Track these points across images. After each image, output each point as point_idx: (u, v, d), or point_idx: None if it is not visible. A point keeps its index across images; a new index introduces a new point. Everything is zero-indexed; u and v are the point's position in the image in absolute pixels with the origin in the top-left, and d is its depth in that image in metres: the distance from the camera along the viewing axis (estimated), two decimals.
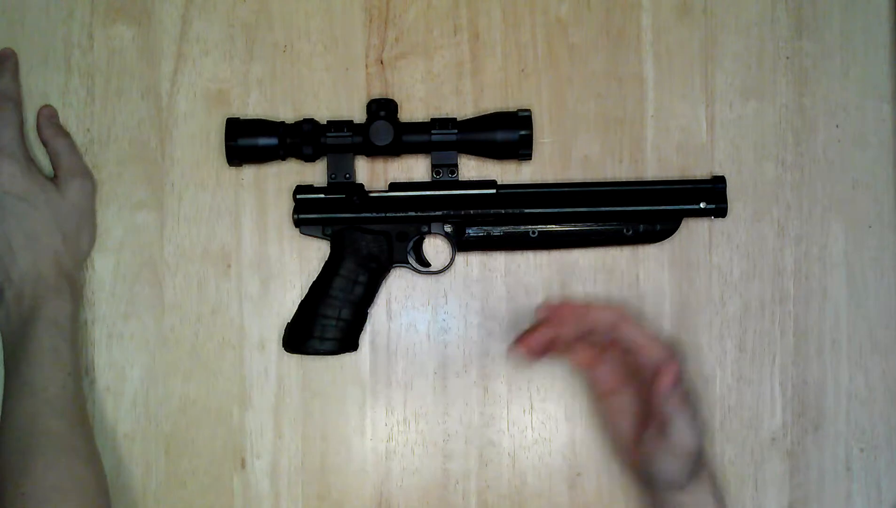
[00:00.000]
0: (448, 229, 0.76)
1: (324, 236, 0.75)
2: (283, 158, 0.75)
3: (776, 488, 0.77)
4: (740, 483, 0.77)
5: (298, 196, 0.75)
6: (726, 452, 0.77)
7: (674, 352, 0.67)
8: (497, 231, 0.75)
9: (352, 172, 0.75)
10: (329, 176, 0.75)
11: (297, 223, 0.75)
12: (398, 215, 0.75)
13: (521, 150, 0.74)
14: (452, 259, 0.76)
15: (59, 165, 0.74)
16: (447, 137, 0.74)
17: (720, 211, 0.75)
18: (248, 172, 0.78)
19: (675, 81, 0.79)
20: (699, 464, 0.67)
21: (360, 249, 0.75)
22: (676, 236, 0.76)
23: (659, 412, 0.66)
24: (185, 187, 0.77)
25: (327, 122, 0.75)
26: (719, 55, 0.79)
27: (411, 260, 0.76)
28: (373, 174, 0.78)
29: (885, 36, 0.79)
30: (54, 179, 0.74)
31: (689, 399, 0.67)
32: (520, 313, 0.78)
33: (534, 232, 0.75)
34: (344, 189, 0.75)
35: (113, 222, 0.77)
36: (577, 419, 0.78)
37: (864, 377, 0.78)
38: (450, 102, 0.78)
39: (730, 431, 0.77)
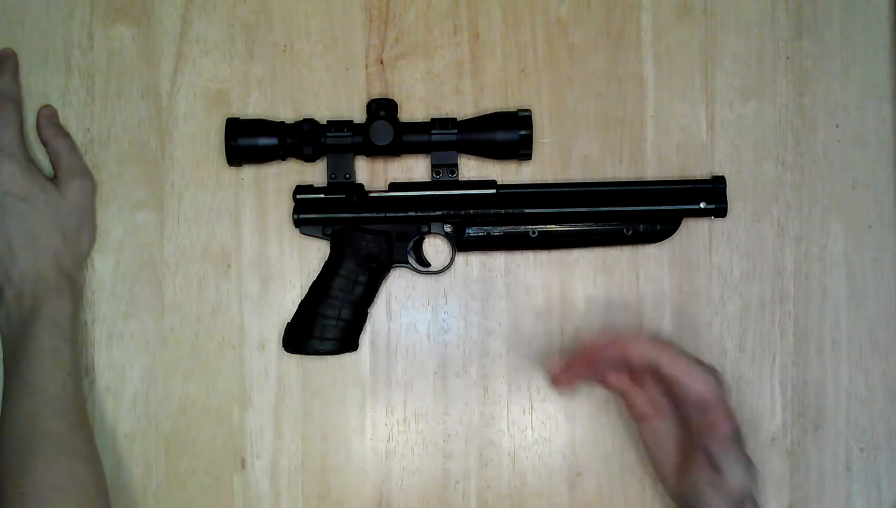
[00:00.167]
0: (448, 229, 0.76)
1: (324, 236, 0.75)
2: (283, 158, 0.75)
3: (776, 488, 0.77)
4: None
5: (298, 196, 0.75)
6: None
7: (717, 384, 0.65)
8: (497, 231, 0.75)
9: (352, 172, 0.75)
10: (329, 176, 0.75)
11: (297, 223, 0.75)
12: (398, 215, 0.75)
13: (521, 150, 0.74)
14: (452, 259, 0.76)
15: (59, 165, 0.74)
16: (447, 137, 0.74)
17: (720, 211, 0.75)
18: (248, 172, 0.78)
19: (675, 81, 0.79)
20: (747, 503, 0.66)
21: (360, 249, 0.75)
22: (676, 236, 0.76)
23: (710, 452, 0.64)
24: (185, 187, 0.77)
25: (327, 122, 0.75)
26: (719, 55, 0.79)
27: (411, 260, 0.76)
28: (373, 174, 0.78)
29: (885, 36, 0.79)
30: (54, 179, 0.74)
31: (740, 439, 0.66)
32: (520, 313, 0.78)
33: (534, 232, 0.75)
34: (344, 189, 0.75)
35: (113, 222, 0.77)
36: (577, 419, 0.78)
37: (864, 377, 0.78)
38: (450, 102, 0.78)
39: None
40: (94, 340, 0.76)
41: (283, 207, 0.77)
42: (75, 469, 0.67)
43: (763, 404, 0.77)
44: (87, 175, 0.75)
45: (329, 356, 0.77)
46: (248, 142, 0.74)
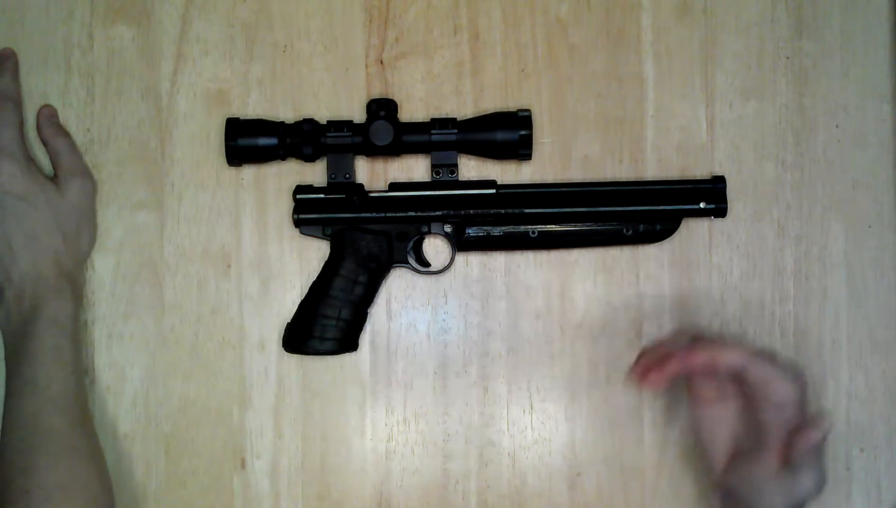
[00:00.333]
0: (448, 229, 0.76)
1: (324, 236, 0.75)
2: (283, 158, 0.75)
3: None
4: None
5: (298, 196, 0.75)
6: None
7: (803, 386, 0.64)
8: (497, 231, 0.75)
9: (352, 172, 0.75)
10: (329, 176, 0.75)
11: (297, 223, 0.75)
12: (398, 215, 0.75)
13: (521, 150, 0.74)
14: (452, 259, 0.76)
15: (59, 165, 0.74)
16: (447, 137, 0.74)
17: (720, 211, 0.75)
18: (248, 172, 0.78)
19: (675, 81, 0.79)
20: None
21: (360, 249, 0.75)
22: (676, 236, 0.76)
23: (791, 454, 0.63)
24: (185, 187, 0.77)
25: (327, 122, 0.75)
26: (719, 55, 0.79)
27: (411, 260, 0.76)
28: (373, 174, 0.78)
29: (885, 36, 0.79)
30: (54, 179, 0.74)
31: (823, 448, 0.65)
32: (520, 313, 0.78)
33: (534, 232, 0.75)
34: (344, 189, 0.75)
35: (113, 222, 0.77)
36: (577, 419, 0.78)
37: (864, 377, 0.78)
38: (450, 102, 0.78)
39: None
40: (94, 340, 0.76)
41: (283, 207, 0.77)
42: (78, 467, 0.67)
43: None
44: (87, 175, 0.75)
45: (329, 356, 0.77)
46: (248, 142, 0.74)
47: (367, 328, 0.77)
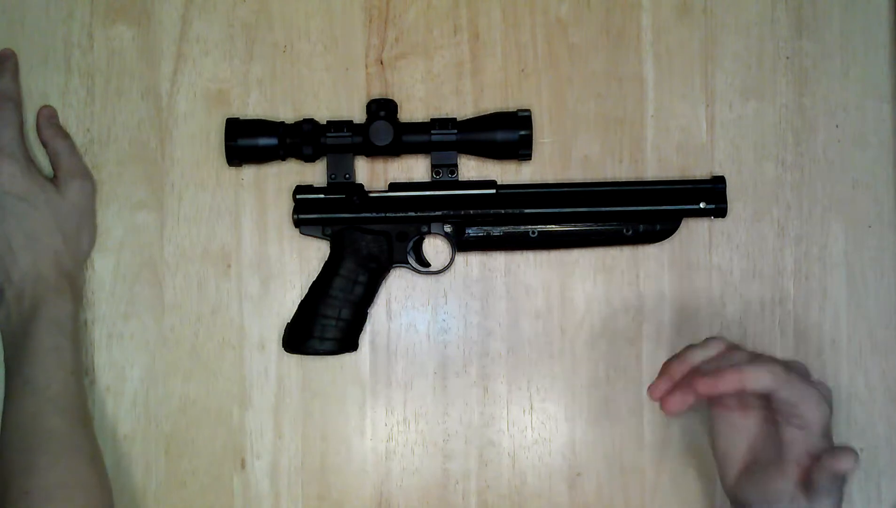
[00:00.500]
0: (448, 229, 0.76)
1: (324, 236, 0.75)
2: (283, 158, 0.75)
3: None
4: None
5: (298, 196, 0.75)
6: None
7: (829, 408, 0.62)
8: (497, 231, 0.75)
9: (352, 172, 0.75)
10: (329, 176, 0.75)
11: (297, 223, 0.75)
12: (398, 215, 0.75)
13: (521, 150, 0.74)
14: (452, 259, 0.76)
15: (59, 166, 0.74)
16: (447, 137, 0.74)
17: (720, 211, 0.75)
18: (248, 172, 0.78)
19: (675, 81, 0.79)
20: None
21: (360, 249, 0.75)
22: (676, 236, 0.76)
23: (813, 477, 0.61)
24: (185, 187, 0.77)
25: (327, 122, 0.75)
26: (719, 55, 0.79)
27: (411, 260, 0.76)
28: (373, 174, 0.78)
29: (885, 36, 0.79)
30: (54, 179, 0.74)
31: (845, 479, 0.62)
32: (520, 313, 0.78)
33: (534, 232, 0.75)
34: (344, 189, 0.75)
35: (113, 222, 0.77)
36: (577, 419, 0.78)
37: (864, 377, 0.78)
38: (450, 102, 0.78)
39: None
40: (94, 340, 0.76)
41: (283, 207, 0.77)
42: (78, 467, 0.67)
43: None
44: (86, 176, 0.75)
45: (329, 356, 0.77)
46: (248, 142, 0.74)
47: (367, 328, 0.77)
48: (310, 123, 0.75)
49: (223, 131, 0.75)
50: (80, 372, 0.71)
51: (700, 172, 0.78)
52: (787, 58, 0.79)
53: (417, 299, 0.78)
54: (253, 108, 0.78)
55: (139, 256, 0.77)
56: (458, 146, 0.75)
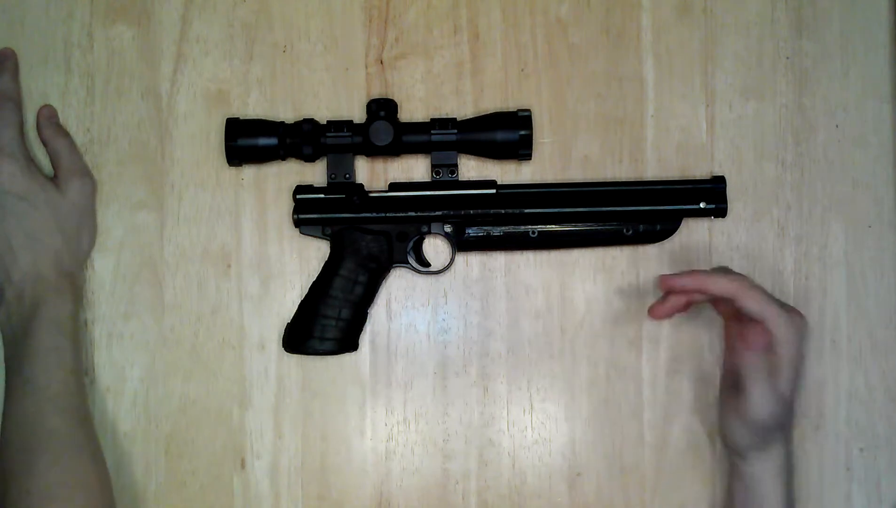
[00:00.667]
0: (448, 229, 0.76)
1: (324, 236, 0.75)
2: (283, 158, 0.75)
3: None
4: None
5: (298, 196, 0.75)
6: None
7: (794, 325, 0.67)
8: (497, 231, 0.75)
9: (352, 172, 0.75)
10: (329, 176, 0.75)
11: (297, 223, 0.75)
12: (398, 215, 0.75)
13: (521, 150, 0.74)
14: (452, 259, 0.76)
15: (59, 165, 0.74)
16: (447, 137, 0.74)
17: (720, 211, 0.75)
18: (248, 172, 0.78)
19: (675, 81, 0.79)
20: (768, 440, 0.68)
21: (360, 249, 0.75)
22: (676, 236, 0.76)
23: (740, 372, 0.66)
24: (185, 187, 0.77)
25: (327, 122, 0.75)
26: (719, 55, 0.79)
27: (411, 260, 0.76)
28: (373, 174, 0.78)
29: (885, 36, 0.79)
30: (54, 179, 0.74)
31: (776, 371, 0.66)
32: (520, 313, 0.78)
33: (534, 232, 0.75)
34: (344, 189, 0.75)
35: (113, 222, 0.77)
36: (577, 419, 0.78)
37: (864, 377, 0.78)
38: (450, 102, 0.78)
39: None
40: (94, 340, 0.76)
41: (283, 207, 0.77)
42: (79, 466, 0.67)
43: None
44: (87, 175, 0.75)
45: (329, 356, 0.77)
46: (248, 142, 0.74)
47: (367, 328, 0.77)
48: (310, 123, 0.75)
49: (223, 131, 0.75)
50: (81, 372, 0.71)
51: (700, 172, 0.78)
52: (787, 58, 0.79)
53: (417, 299, 0.78)
54: (253, 108, 0.78)
55: (139, 256, 0.77)
56: (458, 146, 0.75)
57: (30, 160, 0.73)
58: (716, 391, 0.75)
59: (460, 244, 0.76)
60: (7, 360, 0.70)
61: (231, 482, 0.77)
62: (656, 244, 0.77)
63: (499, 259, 0.78)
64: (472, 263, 0.78)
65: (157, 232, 0.77)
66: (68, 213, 0.73)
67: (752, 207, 0.78)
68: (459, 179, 0.76)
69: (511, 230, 0.75)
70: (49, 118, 0.76)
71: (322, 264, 0.76)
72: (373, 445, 0.77)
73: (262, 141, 0.74)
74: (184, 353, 0.77)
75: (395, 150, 0.75)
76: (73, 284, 0.73)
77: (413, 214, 0.75)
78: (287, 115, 0.78)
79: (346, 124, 0.74)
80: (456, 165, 0.76)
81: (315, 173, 0.77)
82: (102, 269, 0.77)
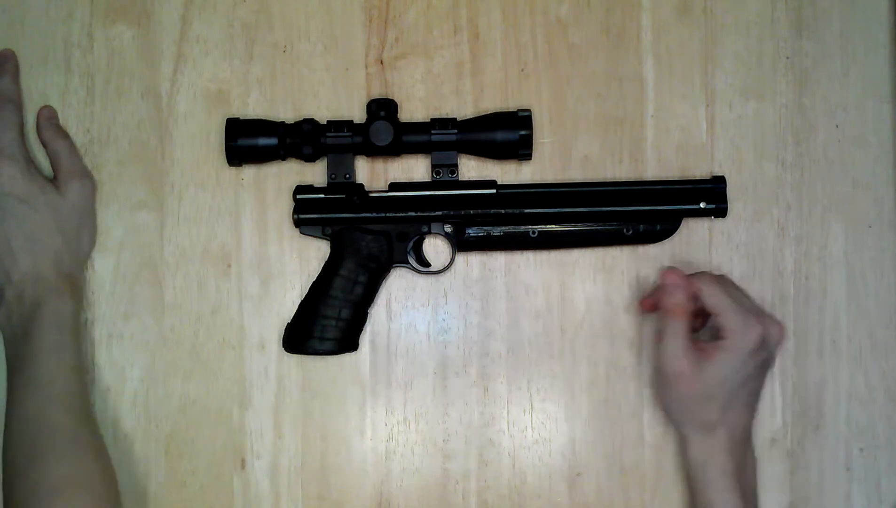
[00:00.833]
0: (448, 229, 0.76)
1: (324, 236, 0.75)
2: (283, 158, 0.75)
3: (776, 488, 0.77)
4: None
5: (298, 196, 0.75)
6: None
7: (756, 325, 0.68)
8: (497, 231, 0.75)
9: (352, 172, 0.75)
10: (329, 176, 0.75)
11: (297, 223, 0.75)
12: (398, 215, 0.75)
13: (521, 150, 0.74)
14: (452, 259, 0.76)
15: (59, 167, 0.74)
16: (447, 137, 0.74)
17: (720, 211, 0.75)
18: (248, 172, 0.78)
19: (675, 81, 0.79)
20: (707, 424, 0.69)
21: (360, 249, 0.75)
22: (676, 236, 0.76)
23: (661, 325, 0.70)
24: (185, 187, 0.77)
25: (327, 122, 0.75)
26: (719, 55, 0.79)
27: (411, 260, 0.76)
28: (373, 174, 0.78)
29: (885, 36, 0.79)
30: (54, 180, 0.74)
31: (711, 353, 0.68)
32: (520, 313, 0.78)
33: (534, 232, 0.75)
34: (344, 189, 0.75)
35: (113, 222, 0.77)
36: (577, 419, 0.78)
37: (864, 377, 0.78)
38: (450, 102, 0.78)
39: None
40: (95, 339, 0.76)
41: (283, 207, 0.77)
42: (84, 463, 0.67)
43: (763, 404, 0.77)
44: (86, 176, 0.75)
45: (329, 356, 0.77)
46: (248, 142, 0.74)
47: (367, 328, 0.77)
48: (310, 123, 0.75)
49: (223, 131, 0.75)
50: (83, 369, 0.71)
51: (700, 172, 0.78)
52: (787, 58, 0.79)
53: (417, 299, 0.78)
54: (253, 108, 0.78)
55: (139, 256, 0.77)
56: (458, 146, 0.75)
57: (30, 162, 0.73)
58: None
59: (460, 244, 0.76)
60: (9, 360, 0.70)
61: (231, 482, 0.77)
62: (656, 244, 0.77)
63: (499, 259, 0.78)
64: (472, 263, 0.78)
65: (157, 232, 0.77)
66: (68, 214, 0.73)
67: (752, 207, 0.78)
68: (459, 179, 0.76)
69: (511, 230, 0.75)
70: (49, 119, 0.76)
71: (322, 264, 0.76)
72: (373, 445, 0.77)
73: (262, 141, 0.74)
74: (184, 353, 0.77)
75: (395, 150, 0.75)
76: (74, 284, 0.73)
77: (413, 214, 0.75)
78: (287, 115, 0.78)
79: (347, 124, 0.74)
80: (456, 165, 0.76)
81: (315, 173, 0.77)
82: (102, 269, 0.77)
